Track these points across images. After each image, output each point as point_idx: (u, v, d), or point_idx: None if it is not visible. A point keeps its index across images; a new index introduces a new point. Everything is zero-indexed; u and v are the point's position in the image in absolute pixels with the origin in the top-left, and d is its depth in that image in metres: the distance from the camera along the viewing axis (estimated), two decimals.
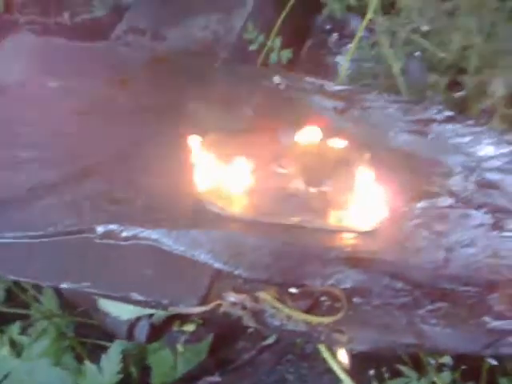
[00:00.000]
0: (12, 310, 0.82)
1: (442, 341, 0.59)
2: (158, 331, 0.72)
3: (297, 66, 0.97)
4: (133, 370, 0.79)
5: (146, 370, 0.78)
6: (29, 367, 0.71)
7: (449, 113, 0.78)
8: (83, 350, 0.79)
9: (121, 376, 0.73)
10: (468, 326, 0.60)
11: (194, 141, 0.68)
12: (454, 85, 0.86)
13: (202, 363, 0.66)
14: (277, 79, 0.81)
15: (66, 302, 0.80)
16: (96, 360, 0.74)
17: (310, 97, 0.79)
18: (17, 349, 0.76)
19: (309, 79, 0.83)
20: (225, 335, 0.68)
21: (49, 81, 0.78)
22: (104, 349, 0.75)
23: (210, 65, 0.82)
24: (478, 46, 0.85)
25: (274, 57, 0.93)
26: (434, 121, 0.77)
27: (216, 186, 0.65)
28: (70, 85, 0.77)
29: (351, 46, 0.92)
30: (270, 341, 0.64)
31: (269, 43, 0.94)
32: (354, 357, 0.61)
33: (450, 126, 0.77)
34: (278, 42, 0.94)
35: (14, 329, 0.77)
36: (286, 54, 0.91)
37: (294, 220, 0.62)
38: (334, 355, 0.61)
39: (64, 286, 0.58)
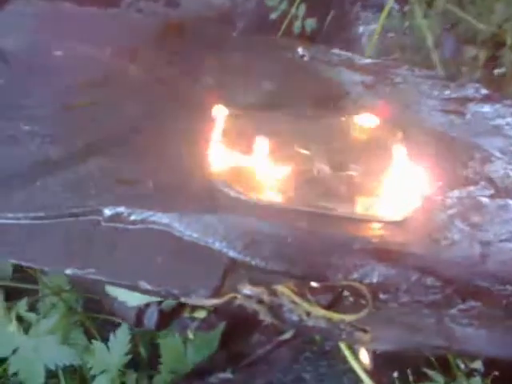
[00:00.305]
0: (20, 286, 0.79)
1: (474, 343, 0.55)
2: (168, 318, 0.68)
3: (321, 36, 0.90)
4: (142, 351, 0.76)
5: (155, 352, 0.76)
6: (36, 344, 0.69)
7: (487, 91, 0.72)
8: (93, 325, 0.76)
9: (129, 357, 0.70)
10: (503, 328, 0.56)
11: (210, 117, 0.64)
12: (493, 60, 0.79)
13: (213, 357, 0.62)
14: (301, 50, 0.75)
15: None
16: (106, 336, 0.71)
17: (336, 70, 0.73)
18: (24, 325, 0.74)
19: (335, 51, 0.76)
20: (238, 325, 0.64)
21: (55, 49, 0.73)
22: (114, 325, 0.72)
23: (228, 34, 0.76)
24: None
25: (297, 26, 0.87)
26: (470, 100, 0.71)
27: (233, 166, 0.60)
28: (79, 54, 0.72)
29: (380, 15, 0.85)
30: (286, 336, 0.61)
31: (292, 10, 0.88)
32: (376, 356, 0.57)
33: (488, 106, 0.70)
34: (302, 9, 0.87)
35: (22, 305, 0.74)
36: (310, 23, 0.85)
37: (317, 207, 0.57)
38: (355, 354, 0.58)
39: (68, 272, 0.54)
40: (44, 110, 0.65)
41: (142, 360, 0.76)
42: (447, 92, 0.72)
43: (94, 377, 0.71)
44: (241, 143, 0.61)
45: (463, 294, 0.56)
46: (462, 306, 0.55)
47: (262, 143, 0.61)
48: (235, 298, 0.53)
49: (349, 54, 0.76)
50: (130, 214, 0.57)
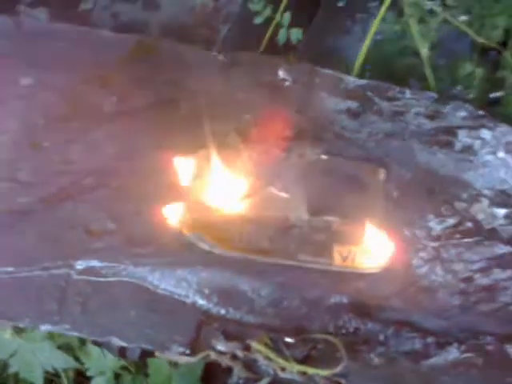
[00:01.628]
0: None
1: None
2: (151, 351, 0.70)
3: (304, 44, 0.86)
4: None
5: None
6: (33, 347, 0.72)
7: (482, 117, 0.69)
8: None
9: (122, 363, 0.72)
10: (482, 377, 0.56)
11: (182, 160, 0.62)
12: (492, 79, 0.75)
13: None
14: (282, 73, 0.72)
15: None
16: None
17: (319, 96, 0.70)
18: (17, 330, 0.76)
19: (320, 71, 0.73)
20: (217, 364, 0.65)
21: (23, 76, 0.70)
22: None
23: (206, 54, 0.72)
24: None
25: (282, 35, 0.83)
26: (462, 128, 0.68)
27: (206, 214, 0.59)
28: (46, 82, 0.68)
29: (374, 21, 0.80)
30: (263, 383, 0.62)
31: (277, 17, 0.84)
32: None
33: (482, 135, 0.68)
34: (287, 17, 0.83)
35: None
36: (296, 33, 0.80)
37: (293, 259, 0.57)
38: None
39: (43, 328, 0.55)
40: (9, 152, 0.63)
41: (137, 363, 0.79)
42: (437, 119, 0.69)
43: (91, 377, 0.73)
44: (214, 188, 0.60)
45: (441, 344, 0.57)
46: (439, 356, 0.56)
47: (236, 187, 0.60)
48: (209, 355, 0.54)
49: (335, 75, 0.72)
50: (101, 268, 0.57)
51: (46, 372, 0.74)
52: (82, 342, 0.75)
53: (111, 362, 0.73)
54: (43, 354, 0.72)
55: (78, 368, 0.74)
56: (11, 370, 0.71)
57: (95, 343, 0.72)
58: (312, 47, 0.89)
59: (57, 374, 0.76)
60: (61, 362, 0.72)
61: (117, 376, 0.74)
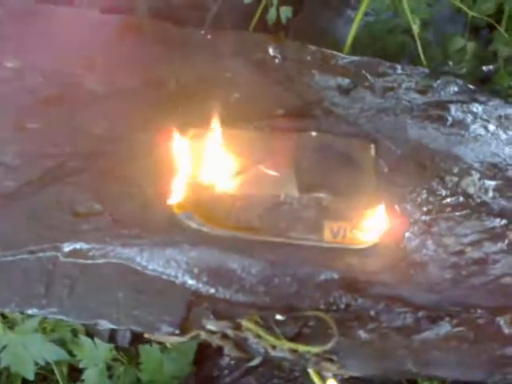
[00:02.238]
0: None
1: (443, 367, 0.56)
2: (141, 335, 0.70)
3: (295, 23, 0.85)
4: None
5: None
6: (24, 340, 0.72)
7: (473, 91, 0.68)
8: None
9: (115, 353, 0.73)
10: (473, 351, 0.56)
11: (171, 138, 0.61)
12: (483, 55, 0.74)
13: (184, 381, 0.64)
14: (272, 50, 0.71)
15: None
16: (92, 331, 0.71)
17: (309, 72, 0.69)
18: (9, 325, 0.76)
19: (310, 48, 0.72)
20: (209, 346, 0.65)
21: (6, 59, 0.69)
22: None
23: (194, 33, 0.71)
24: None
25: (271, 15, 0.82)
26: (454, 102, 0.68)
27: (195, 193, 0.59)
28: (32, 64, 0.68)
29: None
30: (255, 362, 0.62)
31: None
32: (346, 380, 0.58)
33: (473, 109, 0.67)
34: None
35: None
36: (286, 11, 0.79)
37: (283, 237, 0.56)
38: (323, 380, 0.59)
39: (30, 312, 0.54)
40: None
41: (129, 352, 0.77)
42: (429, 94, 0.68)
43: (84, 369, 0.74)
44: (203, 166, 0.59)
45: (432, 318, 0.56)
46: (430, 331, 0.56)
47: (226, 165, 0.59)
48: (199, 334, 0.54)
49: (325, 52, 0.71)
50: (89, 250, 0.56)
51: (40, 368, 0.74)
52: (75, 333, 0.75)
53: (103, 353, 0.74)
54: (34, 347, 0.72)
55: (71, 363, 0.75)
56: (2, 364, 0.71)
57: (87, 334, 0.72)
58: (303, 29, 0.89)
59: (51, 370, 0.76)
60: (52, 354, 0.72)
61: (109, 367, 0.75)
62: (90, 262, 0.56)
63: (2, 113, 0.65)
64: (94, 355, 0.73)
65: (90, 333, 0.73)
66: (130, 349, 0.76)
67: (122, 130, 0.63)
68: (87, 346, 0.72)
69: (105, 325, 0.54)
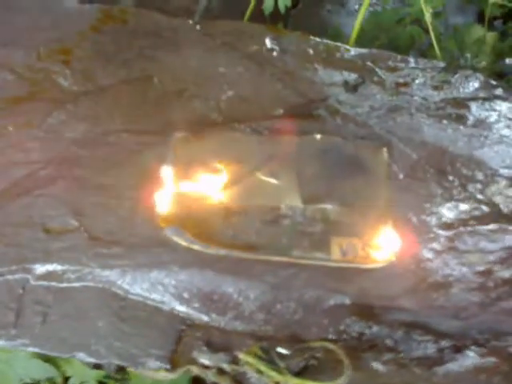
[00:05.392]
0: None
1: None
2: None
3: (294, 12, 0.79)
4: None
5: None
6: (8, 357, 0.65)
7: (495, 87, 0.62)
8: None
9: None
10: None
11: (156, 142, 0.55)
12: (501, 47, 0.68)
13: None
14: (269, 42, 0.65)
15: None
16: None
17: (312, 67, 0.63)
18: None
19: (312, 39, 0.66)
20: None
21: None
22: None
23: (183, 24, 0.65)
24: None
25: (269, 3, 0.76)
26: (474, 99, 0.62)
27: (184, 205, 0.53)
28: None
29: None
30: None
31: None
32: None
33: (496, 107, 0.61)
34: None
35: None
36: (285, 0, 0.73)
37: (286, 255, 0.50)
38: None
39: None
40: None
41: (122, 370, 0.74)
42: (446, 90, 0.62)
43: None
44: (193, 174, 0.54)
45: (457, 348, 0.51)
46: (455, 362, 0.51)
47: (218, 173, 0.53)
48: (190, 369, 0.48)
49: (329, 44, 0.65)
50: (63, 272, 0.50)
51: None
52: None
53: (94, 371, 0.69)
54: (20, 364, 0.66)
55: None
56: None
57: None
58: (303, 20, 0.83)
59: None
60: (40, 371, 0.66)
61: None
62: (64, 285, 0.50)
63: None
64: (84, 373, 0.67)
65: None
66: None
67: (100, 134, 0.57)
68: (77, 363, 0.66)
69: (83, 358, 0.48)
